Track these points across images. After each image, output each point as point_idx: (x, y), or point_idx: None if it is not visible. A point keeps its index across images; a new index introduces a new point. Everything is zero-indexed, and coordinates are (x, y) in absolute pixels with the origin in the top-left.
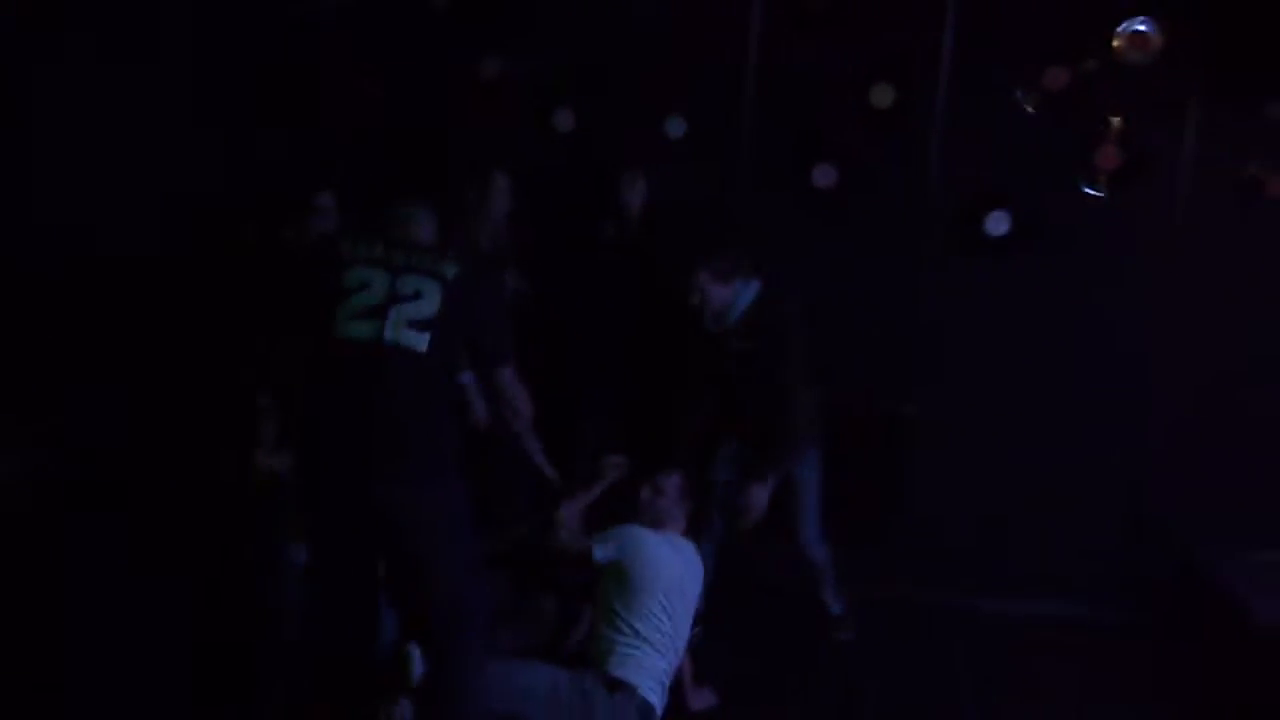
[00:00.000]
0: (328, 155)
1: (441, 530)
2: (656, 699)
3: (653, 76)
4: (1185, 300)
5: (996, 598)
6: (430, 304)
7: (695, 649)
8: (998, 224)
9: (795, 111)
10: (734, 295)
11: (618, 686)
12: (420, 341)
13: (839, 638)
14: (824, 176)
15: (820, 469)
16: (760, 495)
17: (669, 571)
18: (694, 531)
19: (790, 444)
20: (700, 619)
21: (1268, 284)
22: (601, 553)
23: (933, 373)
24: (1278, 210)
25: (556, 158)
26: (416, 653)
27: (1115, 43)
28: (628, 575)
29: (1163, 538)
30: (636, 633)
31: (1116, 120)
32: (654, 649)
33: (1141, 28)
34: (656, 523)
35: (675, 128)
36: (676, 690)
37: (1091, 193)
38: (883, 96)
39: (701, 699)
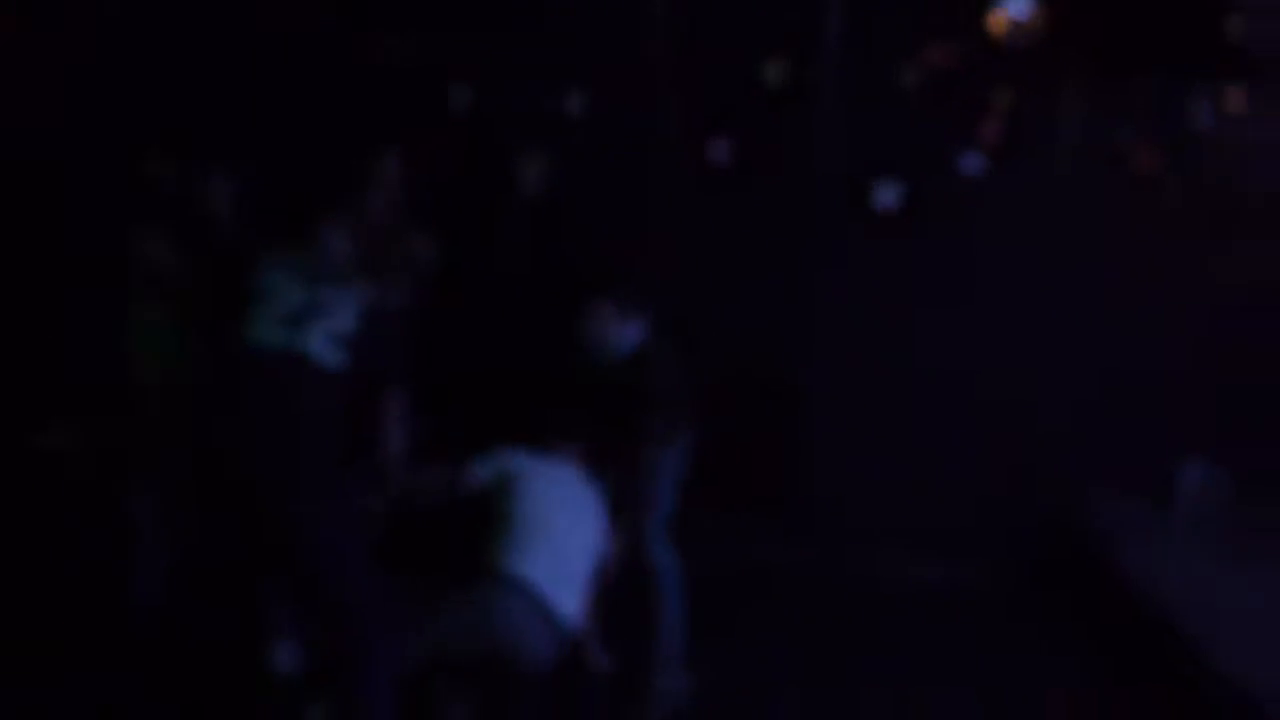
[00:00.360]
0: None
1: (330, 539)
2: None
3: (551, 54)
4: (1064, 268)
5: (889, 560)
6: (346, 318)
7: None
8: (886, 197)
9: (690, 88)
10: (626, 335)
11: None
12: (331, 354)
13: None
14: (718, 152)
15: (682, 462)
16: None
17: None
18: None
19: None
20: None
21: (1139, 250)
22: (478, 474)
23: (826, 342)
24: (1147, 182)
25: (454, 136)
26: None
27: (993, 22)
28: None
29: (1047, 495)
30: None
31: (999, 96)
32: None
33: (1017, 7)
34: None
35: (573, 106)
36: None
37: (974, 166)
38: (774, 74)
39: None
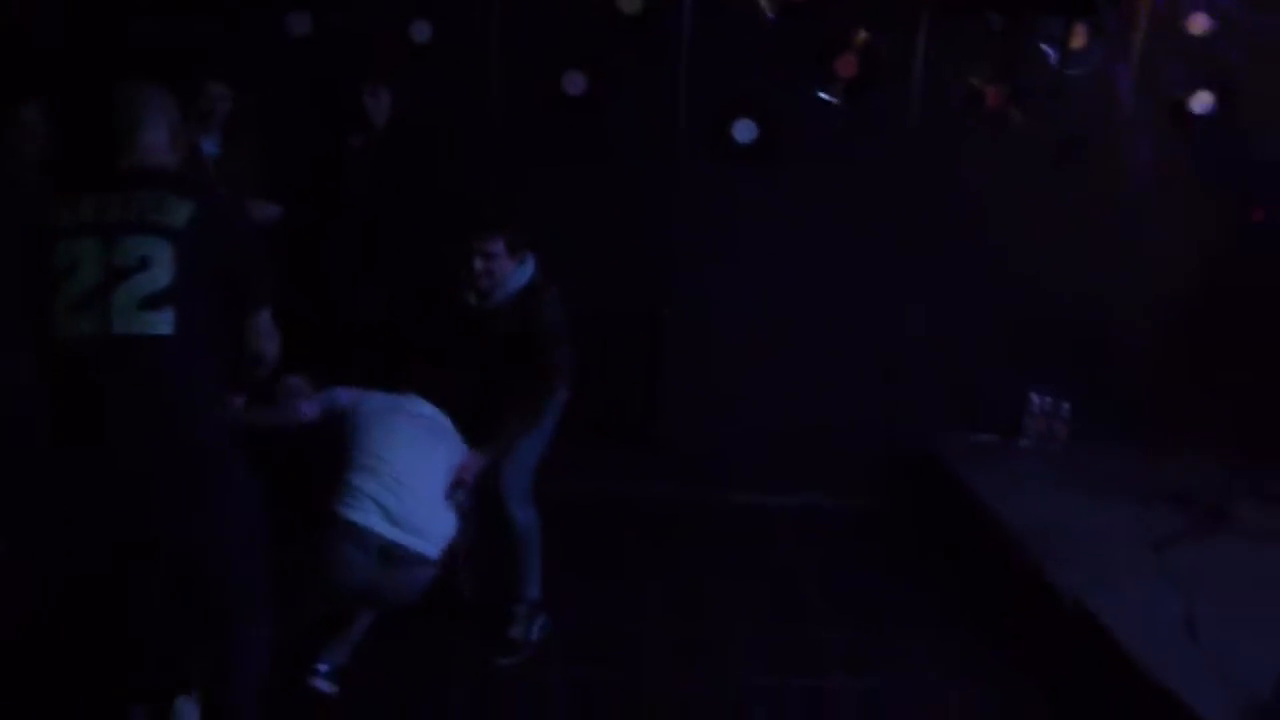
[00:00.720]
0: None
1: (239, 554)
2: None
3: None
4: (921, 203)
5: (750, 491)
6: (163, 271)
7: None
8: (745, 130)
9: (543, 18)
10: (514, 274)
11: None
12: (160, 323)
13: (499, 662)
14: (573, 84)
15: (551, 420)
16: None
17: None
18: None
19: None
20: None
21: (993, 187)
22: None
23: (685, 274)
24: (998, 119)
25: (293, 65)
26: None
27: None
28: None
29: (903, 427)
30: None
31: (857, 30)
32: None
33: None
34: None
35: (420, 33)
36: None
37: (830, 99)
38: (631, 3)
39: (467, 581)
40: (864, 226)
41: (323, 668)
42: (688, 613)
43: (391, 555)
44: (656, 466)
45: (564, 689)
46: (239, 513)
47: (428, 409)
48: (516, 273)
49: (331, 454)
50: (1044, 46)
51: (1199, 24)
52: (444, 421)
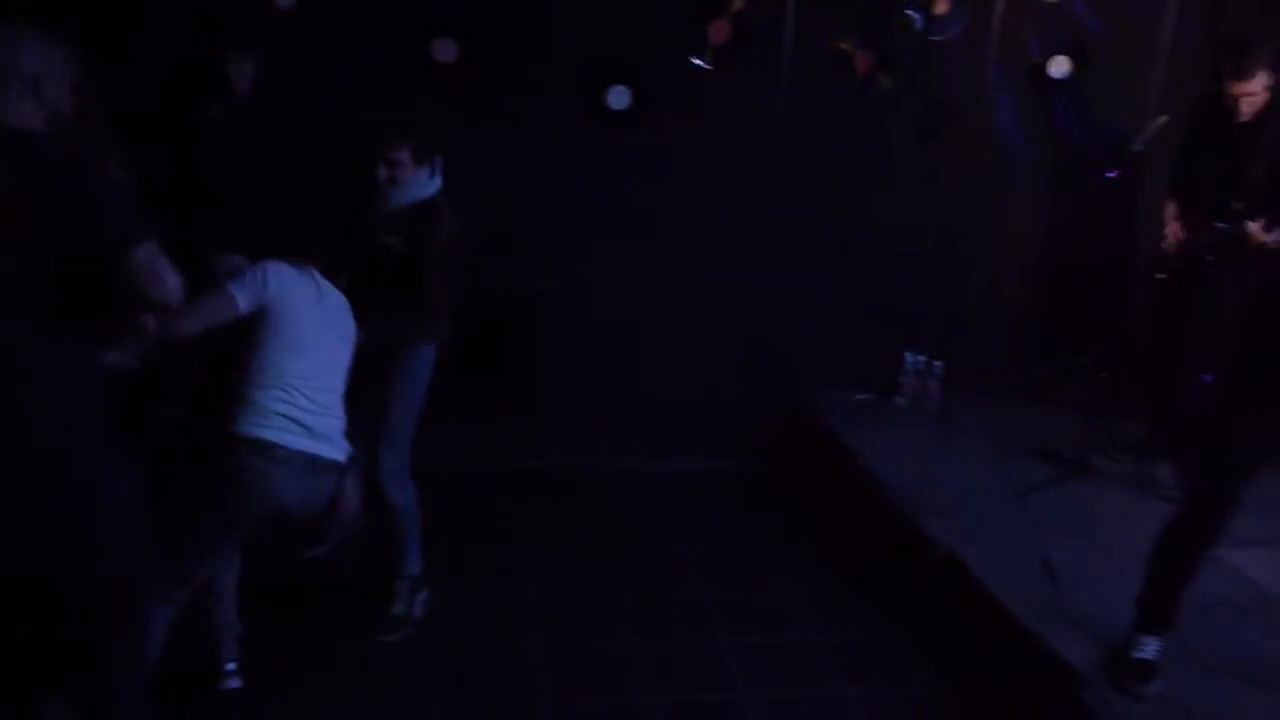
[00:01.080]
0: None
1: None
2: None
3: None
4: (793, 168)
5: (630, 459)
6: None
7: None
8: (619, 98)
9: None
10: (418, 184)
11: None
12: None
13: (383, 639)
14: (444, 51)
15: (422, 385)
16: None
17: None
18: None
19: (420, 320)
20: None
21: (864, 151)
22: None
23: (565, 246)
24: (867, 84)
25: (150, 30)
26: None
27: None
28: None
29: (781, 390)
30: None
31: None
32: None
33: None
34: None
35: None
36: None
37: (703, 65)
38: None
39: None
40: (738, 192)
41: (230, 666)
42: (570, 580)
43: (314, 467)
44: (536, 438)
45: (448, 662)
46: (92, 511)
47: (335, 297)
48: (422, 183)
49: (251, 363)
50: (909, 13)
51: None
52: (347, 314)
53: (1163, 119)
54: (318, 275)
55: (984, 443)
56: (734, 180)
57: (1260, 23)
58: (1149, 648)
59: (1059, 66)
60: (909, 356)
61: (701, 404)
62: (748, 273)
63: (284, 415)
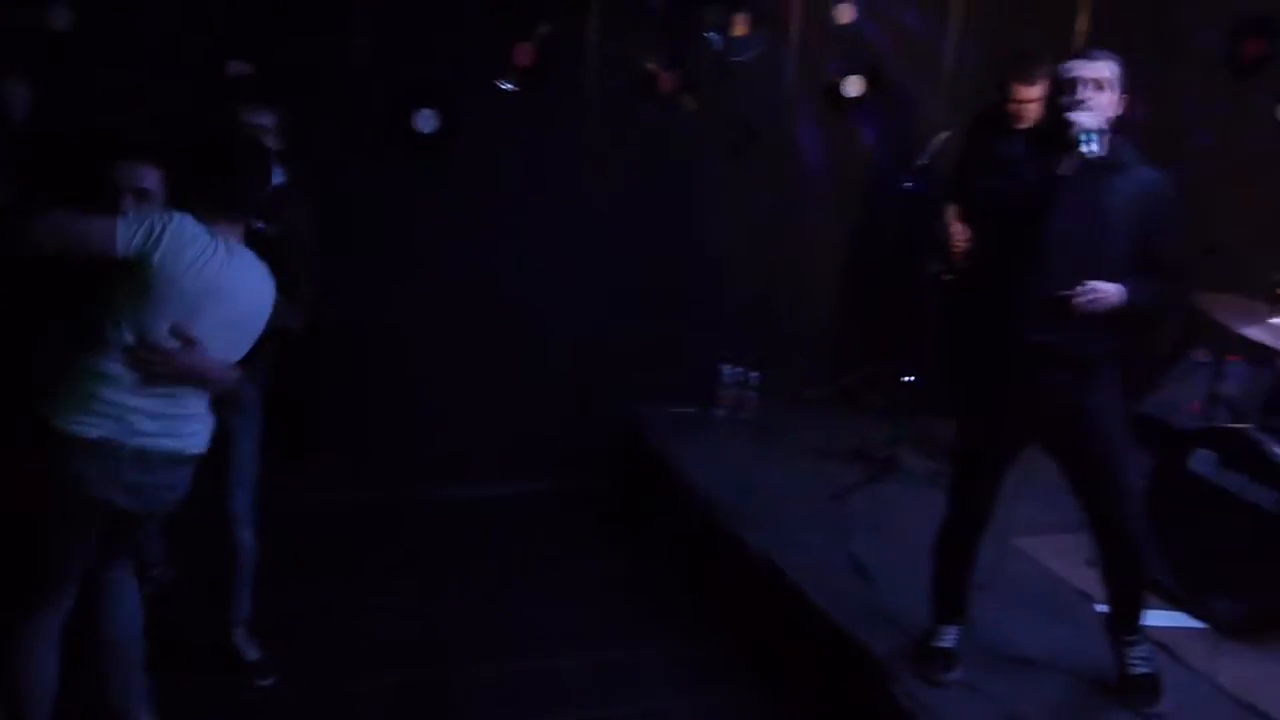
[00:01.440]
0: None
1: None
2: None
3: None
4: (603, 188)
5: (467, 485)
6: None
7: None
8: (426, 121)
9: (204, 2)
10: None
11: None
12: None
13: (257, 683)
14: (237, 67)
15: (259, 419)
16: None
17: None
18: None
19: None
20: None
21: (673, 169)
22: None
23: (376, 271)
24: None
25: None
26: None
27: None
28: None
29: (611, 410)
30: None
31: (534, 23)
32: None
33: None
34: None
35: (60, 19)
36: None
37: (508, 88)
38: None
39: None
40: (550, 213)
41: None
42: (411, 613)
43: (148, 459)
44: (367, 474)
45: (287, 698)
46: None
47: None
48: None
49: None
50: (709, 35)
51: (846, 14)
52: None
53: (945, 134)
54: None
55: (799, 449)
56: (547, 201)
57: (1036, 45)
58: (948, 637)
59: (854, 86)
60: (726, 369)
61: (530, 426)
62: (568, 293)
63: (125, 406)
